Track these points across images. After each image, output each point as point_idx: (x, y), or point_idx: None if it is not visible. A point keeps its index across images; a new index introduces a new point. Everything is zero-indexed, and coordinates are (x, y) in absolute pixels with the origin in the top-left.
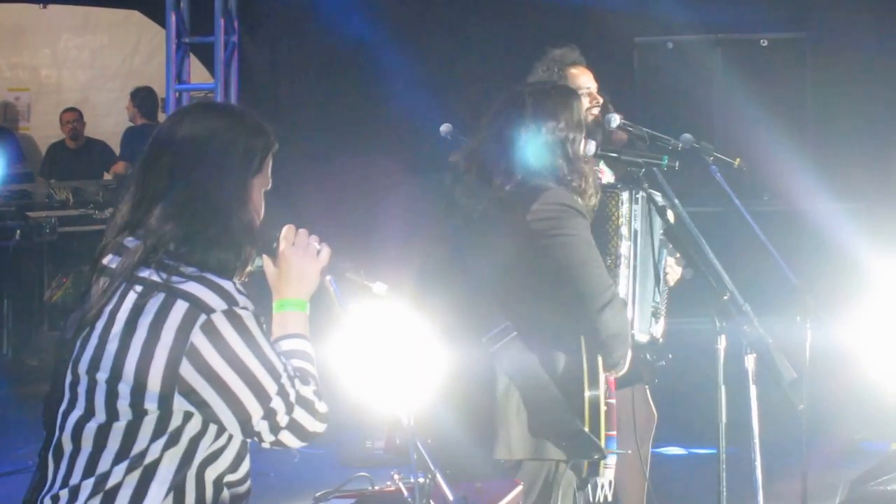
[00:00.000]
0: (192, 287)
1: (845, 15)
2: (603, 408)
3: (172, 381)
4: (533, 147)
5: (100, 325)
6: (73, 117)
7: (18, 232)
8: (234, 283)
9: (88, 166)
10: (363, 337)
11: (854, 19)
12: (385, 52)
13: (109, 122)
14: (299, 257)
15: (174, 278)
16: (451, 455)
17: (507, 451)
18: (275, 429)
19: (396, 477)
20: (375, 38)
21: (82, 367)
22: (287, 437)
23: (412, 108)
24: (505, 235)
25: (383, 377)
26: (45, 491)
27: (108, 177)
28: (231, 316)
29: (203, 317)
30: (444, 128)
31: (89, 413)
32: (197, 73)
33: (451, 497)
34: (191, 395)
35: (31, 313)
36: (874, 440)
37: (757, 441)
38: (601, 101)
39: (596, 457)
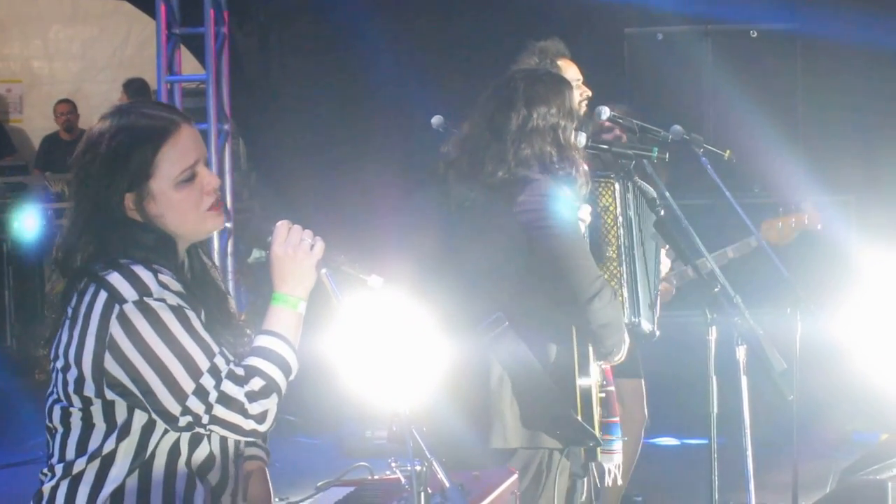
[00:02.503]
0: (113, 277)
1: (836, 6)
2: (598, 395)
3: (100, 374)
4: (523, 132)
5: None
6: (66, 109)
7: (17, 224)
8: (157, 275)
9: None
10: (361, 329)
11: (845, 10)
12: (376, 42)
13: (102, 113)
14: (290, 255)
15: (102, 268)
16: (447, 444)
17: (503, 440)
18: (199, 424)
19: (394, 465)
20: (366, 28)
21: (52, 354)
22: (221, 432)
23: (404, 98)
24: (495, 227)
25: (382, 369)
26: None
27: None
28: (142, 307)
29: (117, 307)
30: (436, 120)
31: (58, 398)
32: (188, 64)
33: (447, 484)
34: (118, 387)
35: (34, 305)
36: (864, 431)
37: (748, 432)
38: (590, 93)
39: (590, 444)
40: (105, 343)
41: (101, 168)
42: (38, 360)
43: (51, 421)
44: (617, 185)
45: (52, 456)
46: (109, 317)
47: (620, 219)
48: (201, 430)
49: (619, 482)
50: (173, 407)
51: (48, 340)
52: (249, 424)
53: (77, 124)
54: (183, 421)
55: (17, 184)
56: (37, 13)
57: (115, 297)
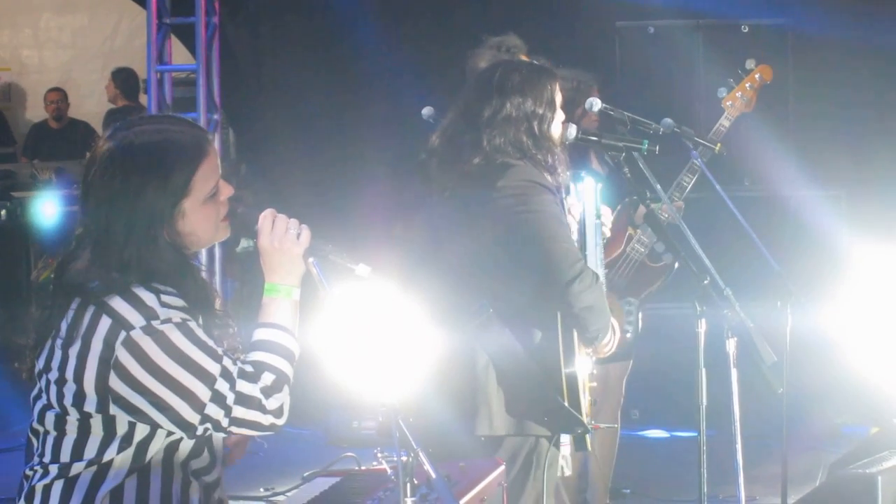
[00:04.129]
0: (116, 302)
1: (827, 1)
2: (589, 384)
3: (105, 392)
4: (495, 121)
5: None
6: (57, 97)
7: (4, 212)
8: (159, 295)
9: (71, 147)
10: (348, 318)
11: (835, 5)
12: (367, 33)
13: (91, 102)
14: (276, 247)
15: (103, 290)
16: (434, 433)
17: (489, 427)
18: (219, 429)
19: (379, 455)
20: (357, 18)
21: (42, 363)
22: (240, 432)
23: (395, 88)
24: (475, 213)
25: (369, 358)
26: (29, 465)
27: None
28: (150, 331)
29: (123, 334)
30: (426, 110)
31: (49, 405)
32: (178, 54)
33: (433, 475)
34: (126, 406)
35: (20, 293)
36: (854, 424)
37: (738, 424)
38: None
39: (579, 431)
40: (110, 364)
41: (140, 187)
42: (22, 349)
43: (42, 424)
44: (591, 182)
45: (42, 455)
46: (114, 342)
47: (595, 212)
48: (221, 434)
49: (567, 473)
50: (192, 417)
51: (35, 344)
52: (268, 419)
53: (66, 113)
54: (201, 429)
55: (5, 171)
56: (27, 1)
57: (122, 324)
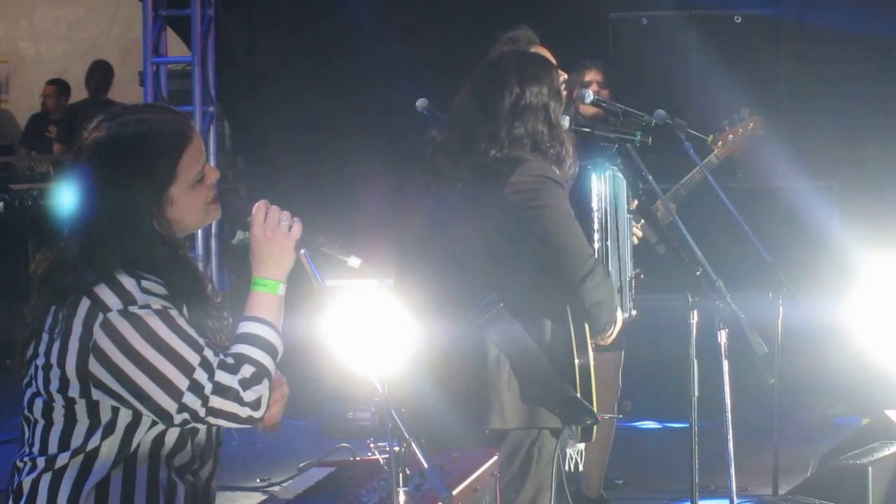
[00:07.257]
0: (98, 287)
1: None
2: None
3: (85, 377)
4: (516, 110)
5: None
6: (49, 91)
7: (2, 204)
8: (140, 281)
9: (69, 139)
10: (340, 309)
11: None
12: (363, 25)
13: (87, 94)
14: (269, 238)
15: (87, 277)
16: (439, 428)
17: (501, 420)
18: (197, 419)
19: (372, 445)
20: (353, 11)
21: (31, 349)
22: (218, 422)
23: (391, 81)
24: (487, 207)
25: (361, 348)
26: (19, 455)
27: None
28: (127, 315)
29: (100, 316)
30: (420, 102)
31: (38, 392)
32: (174, 46)
33: (426, 465)
34: (106, 390)
35: (18, 286)
36: (845, 415)
37: (729, 415)
38: (566, 76)
39: (589, 421)
40: (89, 347)
41: (126, 178)
42: (17, 341)
43: (31, 412)
44: (594, 175)
45: (32, 444)
46: (93, 324)
47: (596, 205)
48: (198, 424)
49: (581, 468)
50: (169, 405)
51: (27, 339)
52: (245, 412)
53: (58, 106)
54: (179, 418)
55: (3, 164)
56: None
57: (99, 306)
